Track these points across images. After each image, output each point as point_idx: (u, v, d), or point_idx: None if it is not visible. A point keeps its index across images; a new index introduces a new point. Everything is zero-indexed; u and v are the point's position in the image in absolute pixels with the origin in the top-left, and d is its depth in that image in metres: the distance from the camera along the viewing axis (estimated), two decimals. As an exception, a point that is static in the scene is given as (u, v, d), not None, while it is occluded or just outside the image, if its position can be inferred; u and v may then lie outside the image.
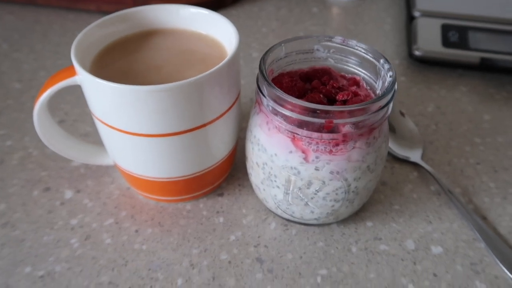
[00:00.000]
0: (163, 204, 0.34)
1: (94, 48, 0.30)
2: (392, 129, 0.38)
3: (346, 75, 0.31)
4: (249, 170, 0.32)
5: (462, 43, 0.47)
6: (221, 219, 0.33)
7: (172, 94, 0.25)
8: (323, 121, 0.24)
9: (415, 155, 0.37)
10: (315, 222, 0.31)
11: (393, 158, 0.37)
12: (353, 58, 0.30)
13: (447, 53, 0.46)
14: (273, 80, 0.29)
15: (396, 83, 0.26)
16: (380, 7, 0.61)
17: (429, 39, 0.48)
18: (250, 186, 0.35)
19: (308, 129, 0.25)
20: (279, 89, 0.25)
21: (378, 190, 0.35)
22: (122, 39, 0.32)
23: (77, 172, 0.36)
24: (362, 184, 0.28)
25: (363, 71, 0.30)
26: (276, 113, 0.26)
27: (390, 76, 0.26)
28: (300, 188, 0.28)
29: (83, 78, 0.26)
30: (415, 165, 0.37)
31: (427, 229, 0.32)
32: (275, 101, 0.26)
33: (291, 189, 0.28)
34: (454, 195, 0.33)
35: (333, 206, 0.29)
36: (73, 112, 0.43)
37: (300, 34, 0.55)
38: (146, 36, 0.32)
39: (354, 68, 0.30)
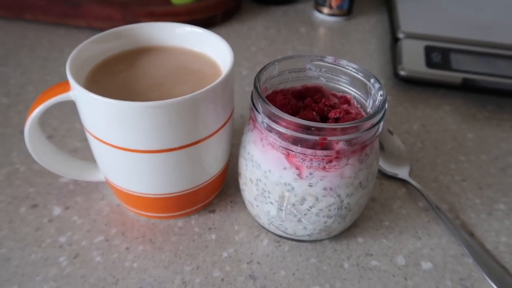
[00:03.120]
0: (154, 221, 0.33)
1: (88, 63, 0.30)
2: (381, 147, 0.39)
3: (337, 93, 0.32)
4: (242, 186, 0.32)
5: (445, 64, 0.49)
6: (213, 236, 0.32)
7: (168, 111, 0.25)
8: (317, 138, 0.25)
9: (403, 172, 0.38)
10: (307, 238, 0.31)
11: (382, 174, 0.38)
12: (344, 77, 0.31)
13: (430, 74, 0.48)
14: (266, 97, 0.30)
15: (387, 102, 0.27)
16: (365, 28, 0.63)
17: (413, 59, 0.50)
18: (241, 202, 0.35)
19: (302, 146, 0.26)
20: (273, 106, 0.26)
21: (368, 207, 0.35)
22: (116, 56, 0.32)
23: (66, 189, 0.36)
24: (354, 200, 0.28)
25: (354, 89, 0.31)
26: (270, 130, 0.26)
27: (381, 95, 0.27)
28: (293, 204, 0.28)
29: (78, 93, 0.26)
30: (403, 181, 0.38)
31: (416, 245, 0.32)
32: (269, 118, 0.26)
33: (284, 206, 0.28)
34: (441, 211, 0.34)
35: (325, 222, 0.29)
36: (62, 128, 0.42)
37: (288, 53, 0.56)
38: (141, 53, 0.33)
39: (345, 87, 0.31)
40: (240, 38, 0.59)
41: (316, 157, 0.26)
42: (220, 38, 0.32)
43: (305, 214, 0.28)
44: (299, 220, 0.29)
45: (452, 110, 0.47)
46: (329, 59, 0.31)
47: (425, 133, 0.44)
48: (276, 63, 0.30)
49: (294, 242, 0.32)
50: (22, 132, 0.41)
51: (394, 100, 0.49)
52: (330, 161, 0.26)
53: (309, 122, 0.24)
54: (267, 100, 0.26)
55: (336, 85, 0.32)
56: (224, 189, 0.36)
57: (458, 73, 0.47)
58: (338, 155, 0.26)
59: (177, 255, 0.31)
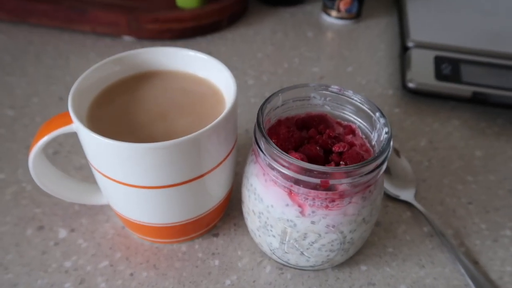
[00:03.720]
0: (158, 245, 0.34)
1: (91, 92, 0.30)
2: (387, 170, 0.39)
3: (342, 122, 0.31)
4: (245, 215, 0.32)
5: (455, 76, 0.48)
6: (217, 262, 0.33)
7: (170, 151, 0.25)
8: (318, 181, 0.25)
9: (408, 195, 0.37)
10: (310, 268, 0.31)
11: (387, 197, 0.38)
12: (349, 106, 0.30)
13: (439, 86, 0.47)
14: (270, 129, 0.29)
15: (392, 140, 0.26)
16: (374, 32, 0.62)
17: (422, 71, 0.49)
18: (245, 225, 0.35)
19: (304, 187, 0.25)
20: (277, 147, 0.25)
21: (373, 232, 0.35)
22: (119, 82, 0.32)
23: (71, 209, 0.36)
24: (357, 235, 0.28)
25: (359, 119, 0.30)
26: (272, 168, 0.26)
27: (386, 133, 0.27)
28: (296, 240, 0.28)
29: (79, 130, 0.26)
30: (408, 204, 0.37)
31: (419, 273, 0.32)
32: (271, 157, 0.26)
33: (287, 240, 0.28)
34: (446, 237, 0.34)
35: (328, 255, 0.29)
36: (68, 143, 0.42)
37: (295, 60, 0.56)
38: (144, 79, 0.32)
39: (350, 116, 0.31)
40: (246, 43, 0.58)
41: (319, 197, 0.26)
42: (223, 66, 0.31)
43: (307, 248, 0.28)
44: (302, 254, 0.29)
45: (461, 124, 0.46)
46: (334, 88, 0.30)
47: (432, 150, 0.43)
48: (279, 94, 0.29)
49: (296, 270, 0.32)
50: (27, 147, 0.41)
51: (402, 113, 0.48)
52: (333, 200, 0.26)
53: (311, 165, 0.24)
54: (269, 139, 0.26)
55: (341, 114, 0.31)
56: (228, 211, 0.36)
57: (468, 86, 0.46)
58: (342, 196, 0.26)
59: (181, 282, 0.31)
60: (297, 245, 0.28)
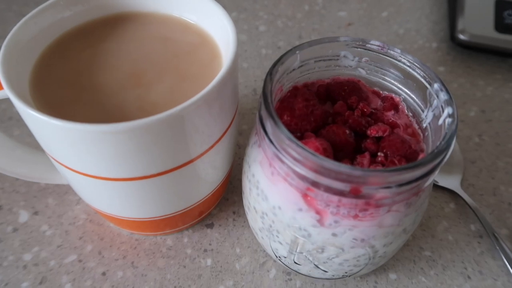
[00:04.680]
0: (138, 236, 0.27)
1: (38, 43, 0.22)
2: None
3: (380, 91, 0.23)
4: (246, 209, 0.25)
5: (520, 27, 0.38)
6: (209, 261, 0.26)
7: (142, 134, 0.18)
8: (347, 186, 0.17)
9: (452, 181, 0.30)
10: (326, 280, 0.24)
11: (426, 183, 0.30)
12: (393, 71, 0.22)
13: (499, 40, 0.37)
14: (282, 101, 0.21)
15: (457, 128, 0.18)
16: (417, -32, 0.50)
17: (478, 19, 0.39)
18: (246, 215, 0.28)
19: (326, 191, 0.18)
20: (289, 134, 0.17)
21: (406, 230, 0.28)
22: (78, 30, 0.24)
23: (36, 186, 0.30)
24: (392, 248, 0.21)
25: (406, 90, 0.22)
26: (281, 160, 0.19)
27: (450, 116, 0.18)
28: (309, 252, 0.21)
29: (13, 100, 0.19)
30: (452, 193, 0.30)
31: (464, 287, 0.25)
32: (280, 146, 0.18)
33: (297, 250, 0.21)
34: (499, 239, 0.27)
35: (351, 270, 0.22)
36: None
37: (317, 1, 0.46)
38: (112, 24, 0.24)
39: (393, 85, 0.22)
40: (259, -21, 0.48)
41: (346, 204, 0.18)
42: (219, 7, 0.22)
43: (324, 262, 0.22)
44: (316, 267, 0.22)
45: (522, 89, 0.37)
46: (374, 45, 0.22)
47: (484, 122, 0.34)
48: (297, 52, 0.21)
49: (308, 277, 0.26)
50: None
51: (448, 72, 0.39)
52: (365, 210, 0.19)
53: (337, 164, 0.16)
54: (279, 120, 0.18)
55: (380, 81, 0.23)
56: (226, 195, 0.29)
57: (536, 41, 0.37)
58: (378, 205, 0.18)
59: (163, 286, 0.25)
60: (311, 258, 0.21)
